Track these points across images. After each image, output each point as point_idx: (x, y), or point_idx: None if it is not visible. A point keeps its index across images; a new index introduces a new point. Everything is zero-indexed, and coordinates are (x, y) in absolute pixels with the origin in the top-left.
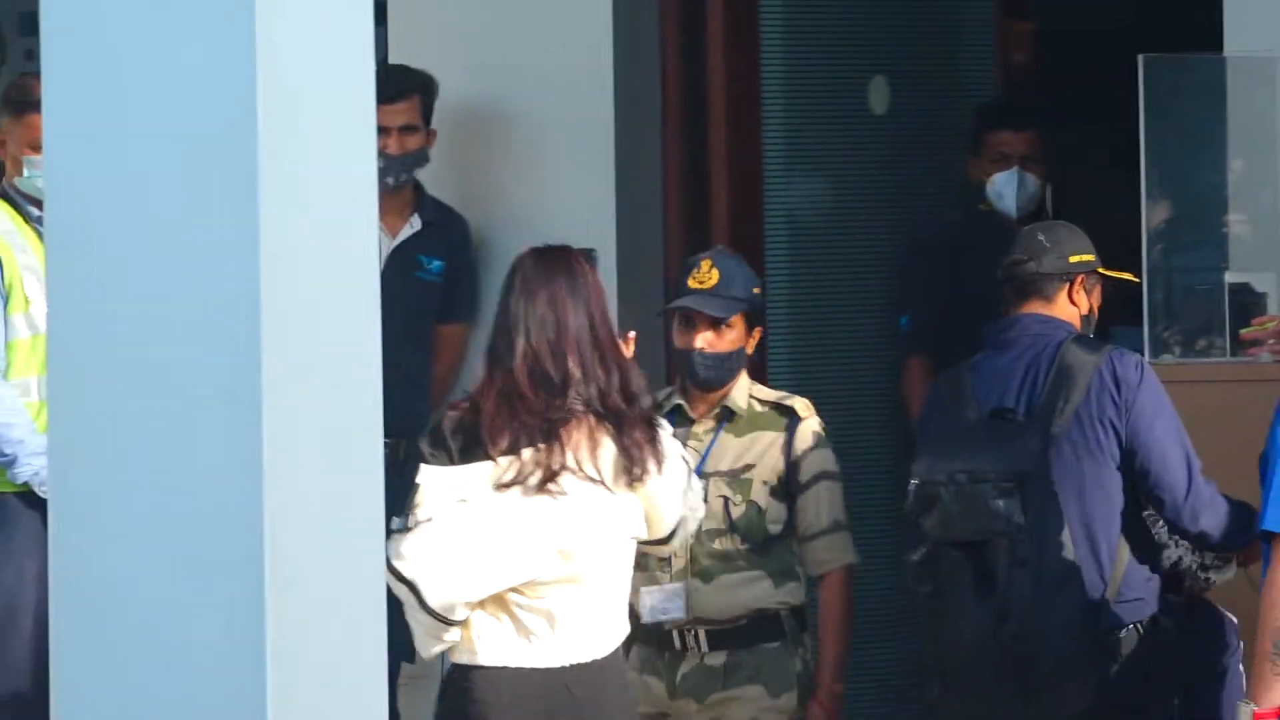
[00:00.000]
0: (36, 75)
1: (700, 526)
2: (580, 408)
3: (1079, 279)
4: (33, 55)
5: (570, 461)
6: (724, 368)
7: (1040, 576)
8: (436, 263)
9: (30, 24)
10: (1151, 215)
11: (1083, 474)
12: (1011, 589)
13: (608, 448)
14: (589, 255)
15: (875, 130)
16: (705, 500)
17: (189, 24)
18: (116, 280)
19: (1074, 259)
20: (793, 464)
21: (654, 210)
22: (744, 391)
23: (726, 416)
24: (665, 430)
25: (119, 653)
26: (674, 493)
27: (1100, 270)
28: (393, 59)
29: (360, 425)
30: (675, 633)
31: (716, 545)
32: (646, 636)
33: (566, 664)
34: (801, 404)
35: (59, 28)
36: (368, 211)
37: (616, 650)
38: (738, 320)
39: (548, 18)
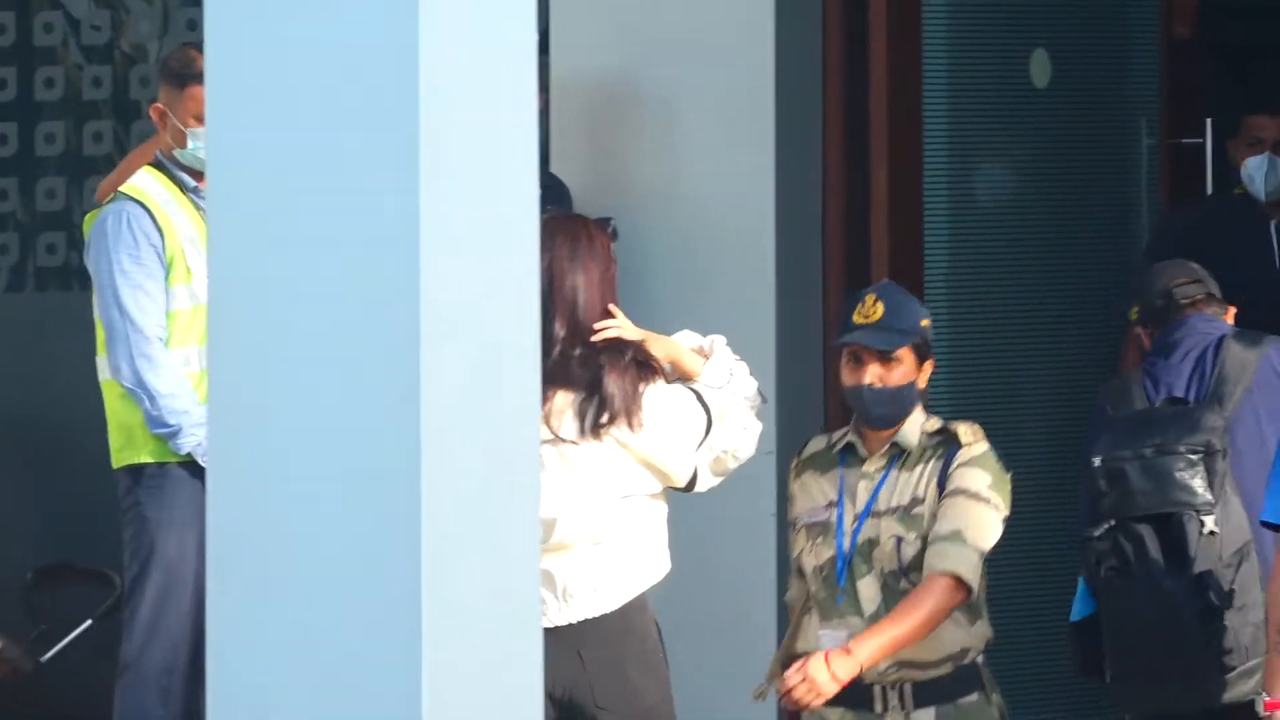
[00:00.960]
0: (199, 46)
1: (882, 569)
2: (561, 371)
3: (1231, 310)
4: (195, 26)
5: (543, 429)
6: (896, 403)
7: (1222, 550)
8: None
9: None
10: None
11: (1249, 459)
12: (1204, 560)
13: (573, 400)
14: (604, 224)
15: (1039, 109)
16: (878, 543)
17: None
18: (277, 253)
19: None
20: (944, 482)
21: (813, 195)
22: (916, 427)
23: (898, 454)
24: (661, 380)
25: (274, 626)
26: (673, 440)
27: None
28: (554, 30)
29: (517, 407)
30: (877, 689)
31: (902, 586)
32: (838, 697)
33: (573, 621)
34: (965, 429)
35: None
36: (529, 191)
37: (631, 604)
38: (907, 354)
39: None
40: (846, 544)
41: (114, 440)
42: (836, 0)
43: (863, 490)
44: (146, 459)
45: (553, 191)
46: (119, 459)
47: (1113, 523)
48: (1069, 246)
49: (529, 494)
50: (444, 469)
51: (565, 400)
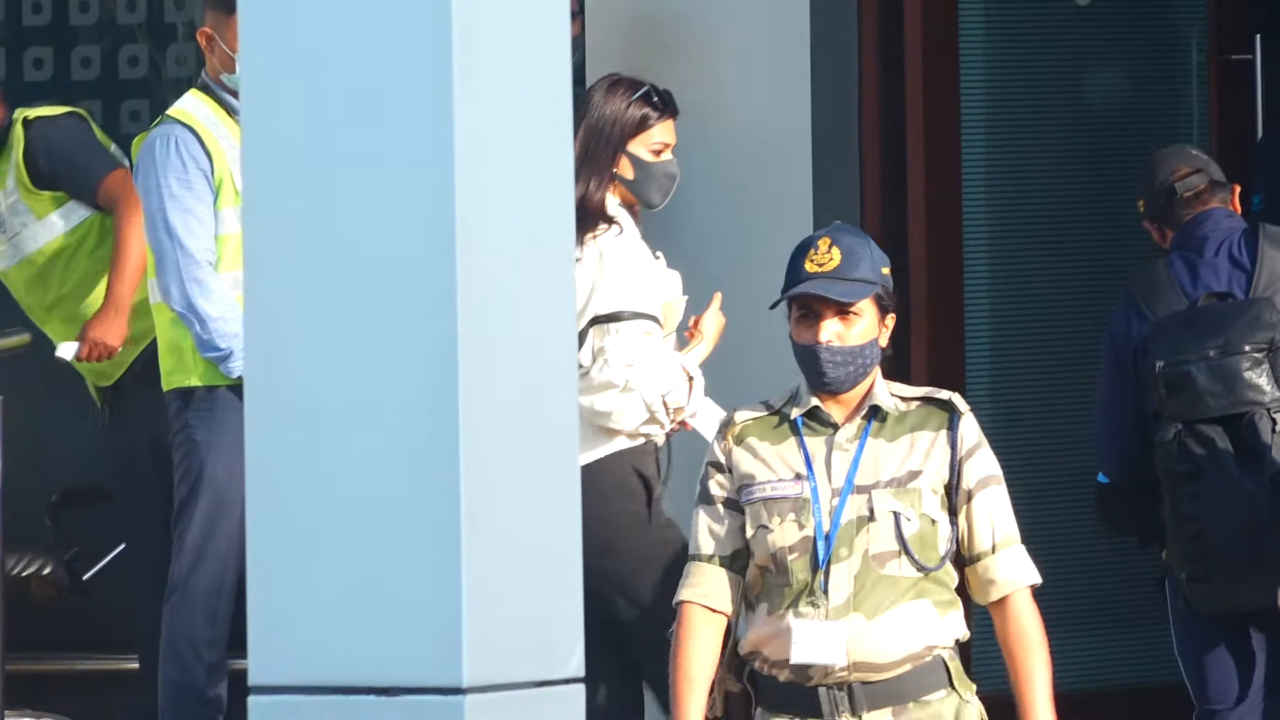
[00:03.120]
0: None
1: (866, 551)
2: None
3: (1235, 188)
4: None
5: None
6: (856, 364)
7: None
8: None
9: None
10: None
11: None
12: (1279, 456)
13: None
14: None
15: (1082, 27)
16: (873, 518)
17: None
18: (314, 181)
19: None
20: (958, 466)
21: (850, 116)
22: (885, 389)
23: (872, 418)
24: None
25: (314, 551)
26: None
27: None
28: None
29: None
30: (823, 692)
31: (887, 571)
32: (778, 699)
33: None
34: (958, 398)
35: None
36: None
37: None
38: (868, 306)
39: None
40: (827, 522)
41: (164, 363)
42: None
43: (839, 462)
44: (196, 382)
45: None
46: (169, 382)
47: (1179, 426)
48: (1115, 168)
49: (568, 408)
50: (483, 389)
51: None
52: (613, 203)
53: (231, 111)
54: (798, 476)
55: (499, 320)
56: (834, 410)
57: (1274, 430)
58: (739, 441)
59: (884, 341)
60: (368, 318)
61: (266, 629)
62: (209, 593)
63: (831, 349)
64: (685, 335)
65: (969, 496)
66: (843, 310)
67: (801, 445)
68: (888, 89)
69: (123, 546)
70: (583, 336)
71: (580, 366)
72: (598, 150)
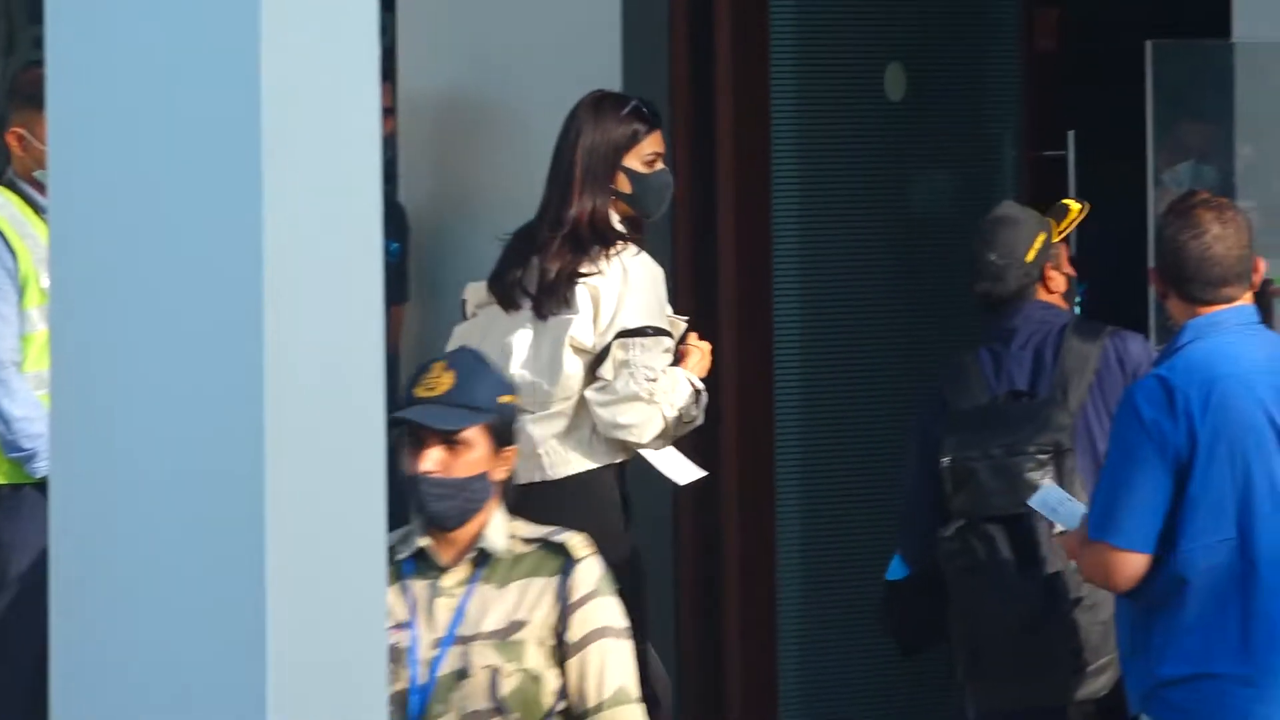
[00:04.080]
0: None
1: (463, 708)
2: None
3: (1045, 267)
4: (42, 44)
5: None
6: (462, 497)
7: None
8: (394, 245)
9: (39, 11)
10: (1160, 202)
11: (1097, 453)
12: (1054, 560)
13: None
14: None
15: (892, 119)
16: (468, 673)
17: (190, 19)
18: (120, 271)
19: (1030, 255)
20: (567, 616)
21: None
22: (500, 529)
23: (482, 562)
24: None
25: (118, 647)
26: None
27: (1055, 239)
28: (400, 44)
29: (362, 412)
30: None
31: None
32: None
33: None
34: (577, 540)
35: (64, 16)
36: (372, 197)
37: (579, 474)
38: (478, 436)
39: (558, 16)
40: (424, 675)
41: None
42: (683, 13)
43: (442, 609)
44: (1, 480)
45: (400, 207)
46: None
47: (962, 522)
48: (929, 261)
49: (374, 509)
50: (288, 477)
51: None
52: (614, 219)
53: (39, 210)
54: (399, 625)
55: (305, 415)
56: (443, 551)
57: (1052, 532)
58: None
59: (499, 474)
60: (171, 401)
61: None
62: (13, 697)
63: (432, 480)
64: (679, 351)
65: (577, 649)
66: (449, 439)
67: (405, 590)
68: (699, 184)
69: None
70: (605, 352)
71: (599, 379)
72: (597, 169)
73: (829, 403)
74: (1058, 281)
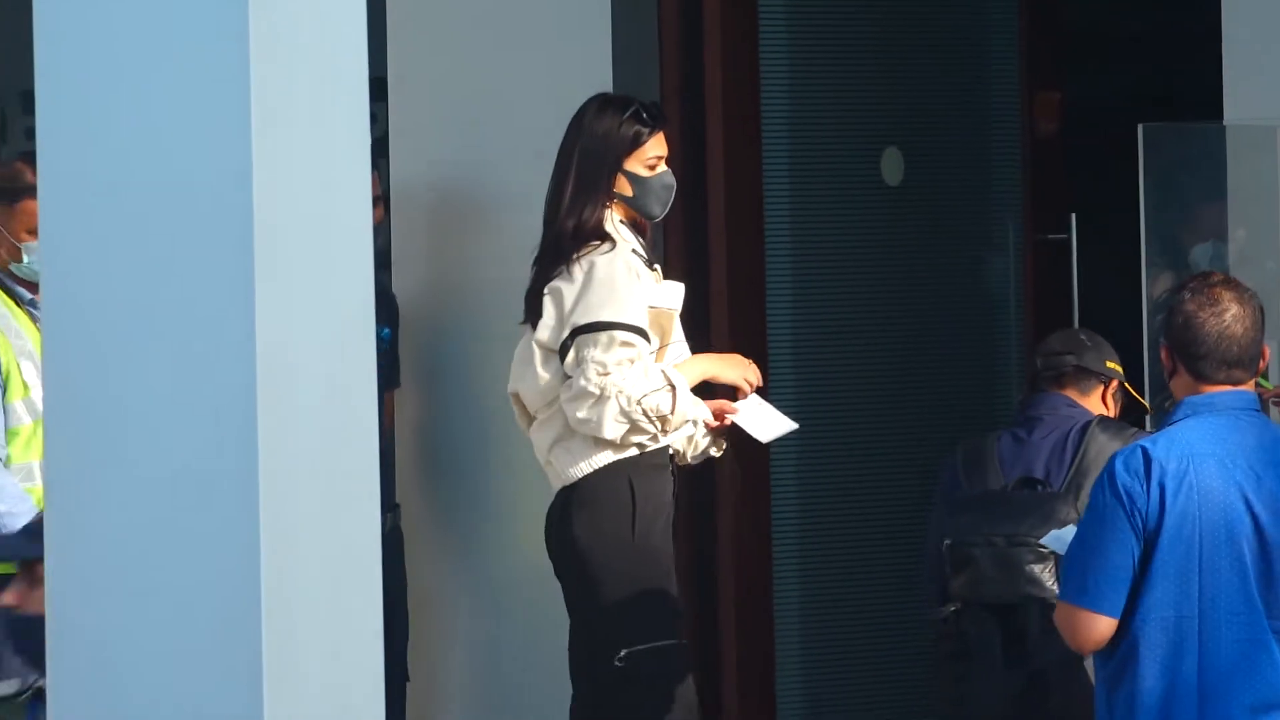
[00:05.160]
0: (26, 159)
1: None
2: None
3: (1114, 384)
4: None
5: None
6: None
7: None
8: (386, 330)
9: (32, 103)
10: (1153, 285)
11: None
12: (1047, 655)
13: None
14: None
15: (891, 206)
16: None
17: (185, 111)
18: (114, 362)
19: (1110, 365)
20: None
21: None
22: None
23: None
24: None
25: (115, 651)
26: None
27: (1125, 385)
28: (392, 133)
29: (358, 498)
30: None
31: None
32: None
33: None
34: None
35: (54, 107)
36: (365, 282)
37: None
38: None
39: (550, 105)
40: None
41: None
42: (675, 100)
43: None
44: None
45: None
46: None
47: (958, 606)
48: (933, 346)
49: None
50: (284, 557)
51: None
52: (613, 220)
53: (20, 301)
54: None
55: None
56: None
57: (1045, 627)
58: None
59: None
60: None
61: None
62: None
63: None
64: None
65: None
66: None
67: None
68: (694, 274)
69: None
70: (565, 349)
71: (567, 378)
72: (594, 174)
73: (825, 451)
74: (1111, 408)
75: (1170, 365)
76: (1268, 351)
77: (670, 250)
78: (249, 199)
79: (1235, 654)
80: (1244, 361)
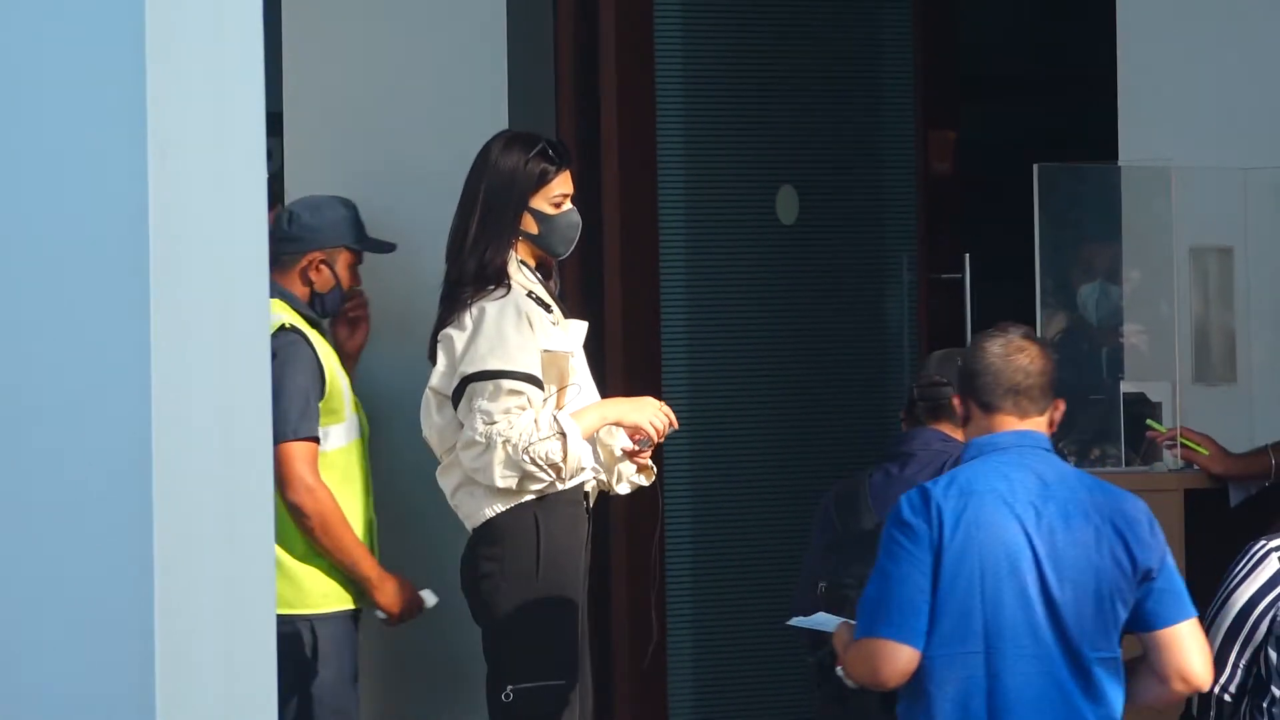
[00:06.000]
0: None
1: None
2: None
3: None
4: None
5: None
6: None
7: None
8: None
9: None
10: (1047, 326)
11: None
12: None
13: None
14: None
15: (784, 242)
16: None
17: (80, 143)
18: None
19: None
20: None
21: None
22: None
23: None
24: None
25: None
26: None
27: None
28: (288, 169)
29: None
30: None
31: None
32: None
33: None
34: None
35: None
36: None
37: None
38: None
39: (445, 143)
40: None
41: None
42: (569, 130)
43: None
44: None
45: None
46: None
47: (831, 649)
48: (827, 385)
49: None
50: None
51: None
52: (515, 260)
53: None
54: None
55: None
56: None
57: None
58: None
59: None
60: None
61: None
62: None
63: None
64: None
65: None
66: None
67: None
68: (588, 299)
69: None
70: (457, 397)
71: (462, 427)
72: (499, 211)
73: (718, 490)
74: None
75: (963, 411)
76: (1061, 405)
77: (566, 288)
78: (145, 233)
79: (1026, 689)
80: (1032, 393)
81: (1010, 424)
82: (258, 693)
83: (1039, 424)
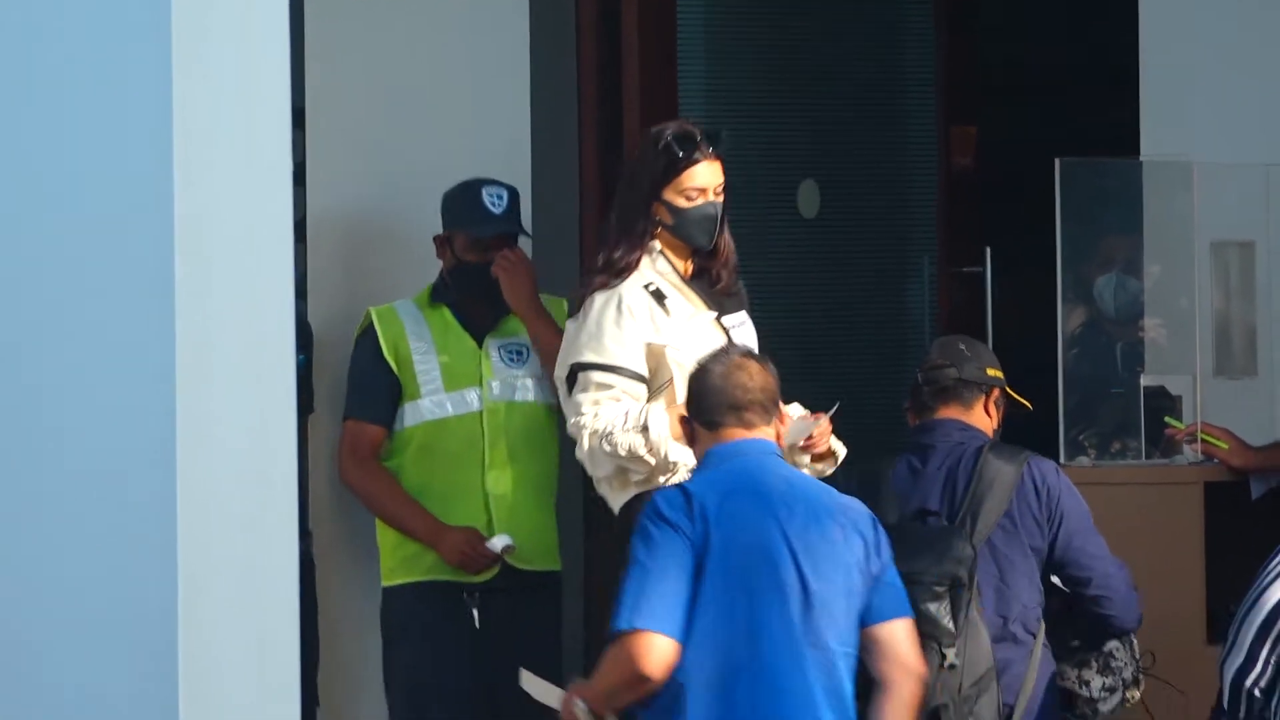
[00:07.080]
0: None
1: None
2: None
3: (995, 391)
4: None
5: None
6: None
7: (963, 682)
8: (302, 356)
9: None
10: (1067, 319)
11: (1003, 582)
12: (941, 693)
13: None
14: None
15: (808, 234)
16: None
17: (108, 135)
18: (34, 384)
19: (990, 372)
20: None
21: None
22: None
23: None
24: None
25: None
26: None
27: (1007, 390)
28: (310, 161)
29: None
30: None
31: None
32: None
33: None
34: None
35: None
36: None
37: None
38: None
39: (465, 137)
40: None
41: None
42: (591, 146)
43: None
44: None
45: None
46: None
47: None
48: (848, 377)
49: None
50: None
51: None
52: (654, 250)
53: None
54: None
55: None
56: None
57: (942, 665)
58: None
59: None
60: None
61: None
62: None
63: None
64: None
65: None
66: None
67: None
68: None
69: None
70: (567, 386)
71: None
72: (629, 205)
73: None
74: (995, 416)
75: (688, 431)
76: (785, 419)
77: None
78: (170, 225)
79: (785, 681)
80: (754, 407)
81: (738, 435)
82: (282, 679)
83: (767, 434)
